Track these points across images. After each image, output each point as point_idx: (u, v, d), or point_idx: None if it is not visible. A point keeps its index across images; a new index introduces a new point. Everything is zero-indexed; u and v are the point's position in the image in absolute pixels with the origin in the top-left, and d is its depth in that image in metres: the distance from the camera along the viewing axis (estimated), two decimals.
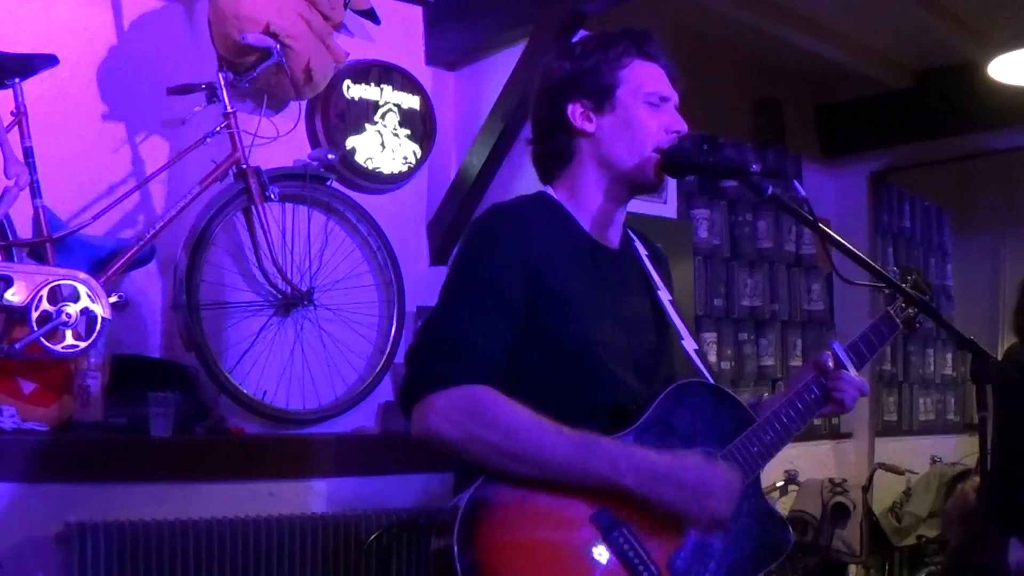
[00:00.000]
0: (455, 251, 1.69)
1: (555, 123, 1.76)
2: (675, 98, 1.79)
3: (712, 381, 1.78)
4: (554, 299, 1.63)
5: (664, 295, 1.84)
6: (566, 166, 1.77)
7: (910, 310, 1.94)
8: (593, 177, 1.75)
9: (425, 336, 1.58)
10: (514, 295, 1.59)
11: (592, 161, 1.75)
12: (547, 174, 1.81)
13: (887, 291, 1.95)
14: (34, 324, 2.52)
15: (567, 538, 1.48)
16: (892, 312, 1.94)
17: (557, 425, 1.51)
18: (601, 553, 1.49)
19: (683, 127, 1.77)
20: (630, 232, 1.88)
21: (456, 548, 1.40)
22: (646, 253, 1.87)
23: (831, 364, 1.79)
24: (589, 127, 1.74)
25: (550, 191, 1.78)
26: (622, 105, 1.73)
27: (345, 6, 3.44)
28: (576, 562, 1.47)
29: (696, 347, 1.84)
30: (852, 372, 1.80)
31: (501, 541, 1.45)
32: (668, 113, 1.75)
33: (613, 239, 1.81)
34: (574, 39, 3.39)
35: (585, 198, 1.76)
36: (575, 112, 1.74)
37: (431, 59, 3.97)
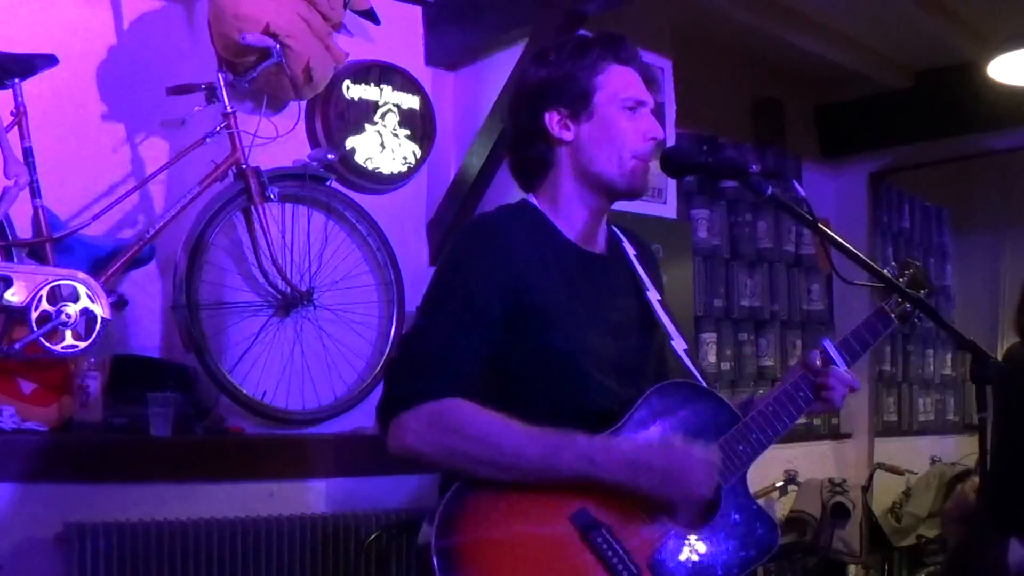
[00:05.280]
0: (439, 262, 1.71)
1: (532, 131, 1.76)
2: (651, 102, 1.78)
3: (702, 380, 1.79)
4: (536, 311, 1.64)
5: (653, 295, 1.84)
6: (546, 174, 1.77)
7: (906, 305, 1.91)
8: (573, 185, 1.76)
9: (402, 352, 1.62)
10: (491, 309, 1.61)
11: (571, 169, 1.75)
12: (527, 182, 1.81)
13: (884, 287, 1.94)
14: (34, 324, 2.52)
15: (545, 537, 1.50)
16: (887, 307, 1.91)
17: (528, 427, 1.53)
18: (579, 552, 1.50)
19: (660, 133, 1.77)
20: (617, 232, 1.88)
21: (434, 543, 1.43)
22: (635, 253, 1.87)
23: (819, 363, 1.79)
24: (567, 135, 1.74)
25: (532, 199, 1.78)
26: (599, 112, 1.73)
27: (345, 6, 3.44)
28: (553, 560, 1.49)
29: (686, 347, 1.84)
30: (842, 368, 1.79)
31: (479, 537, 1.47)
32: (645, 118, 1.75)
33: (599, 243, 1.81)
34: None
35: (567, 205, 1.76)
36: (552, 120, 1.74)
37: (431, 59, 3.97)
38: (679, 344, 1.83)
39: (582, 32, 1.77)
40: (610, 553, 1.51)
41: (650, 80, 1.79)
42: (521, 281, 1.63)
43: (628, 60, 1.76)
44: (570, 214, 1.76)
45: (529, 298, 1.63)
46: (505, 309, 1.62)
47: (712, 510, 1.67)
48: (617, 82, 1.74)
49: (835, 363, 1.80)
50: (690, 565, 1.61)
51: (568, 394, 1.65)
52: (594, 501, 1.54)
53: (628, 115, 1.73)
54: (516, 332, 1.62)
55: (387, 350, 3.57)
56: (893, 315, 1.91)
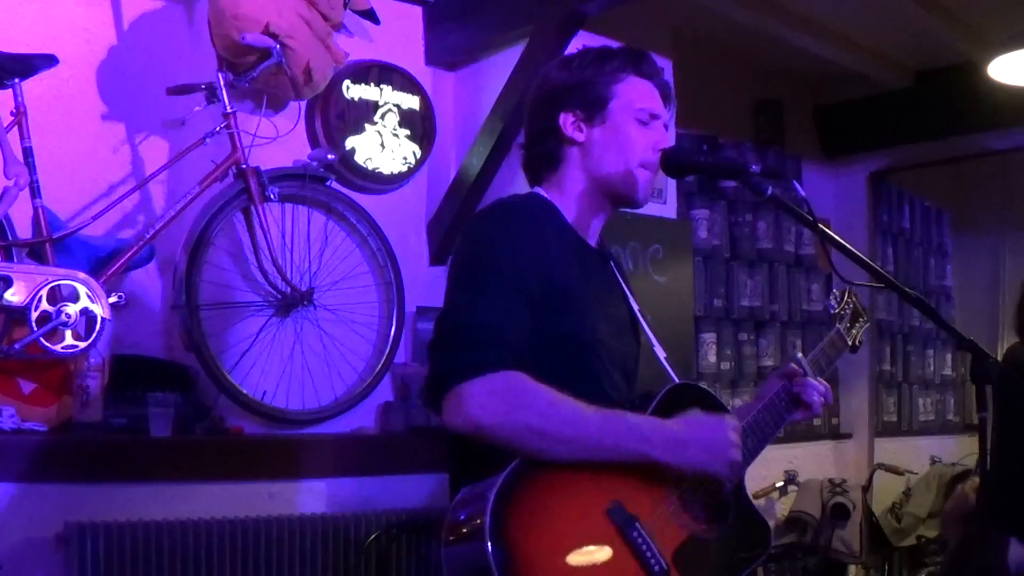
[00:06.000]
0: (465, 242, 1.71)
1: (547, 130, 1.82)
2: (665, 117, 1.84)
3: None
4: (560, 296, 1.67)
5: (633, 304, 1.90)
6: (554, 170, 1.83)
7: (854, 331, 2.09)
8: (579, 183, 1.81)
9: (451, 326, 1.59)
10: (532, 287, 1.63)
11: (579, 168, 1.81)
12: (535, 177, 1.86)
13: (833, 312, 2.08)
14: (34, 324, 2.52)
15: (588, 535, 1.52)
16: (842, 331, 2.06)
17: (586, 404, 1.56)
18: (618, 549, 1.53)
19: (668, 145, 1.82)
20: None
21: (490, 547, 1.42)
22: (612, 262, 1.93)
23: (800, 371, 1.90)
24: (579, 136, 1.80)
25: (541, 191, 1.83)
26: (613, 119, 1.79)
27: (345, 6, 3.44)
28: (597, 558, 1.51)
29: (665, 355, 1.90)
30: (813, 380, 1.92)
31: (529, 539, 1.46)
32: (656, 131, 1.81)
33: (593, 243, 1.86)
34: (572, 41, 3.42)
35: (572, 200, 1.81)
36: (567, 121, 1.80)
37: (431, 59, 3.97)
38: (660, 352, 1.90)
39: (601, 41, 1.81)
40: (644, 547, 1.54)
41: (667, 97, 1.85)
42: (549, 263, 1.66)
43: (648, 75, 1.82)
44: (575, 208, 1.81)
45: (554, 281, 1.66)
46: (539, 290, 1.64)
47: (726, 510, 1.72)
48: (634, 93, 1.79)
49: (808, 374, 1.91)
50: (706, 560, 1.66)
51: (583, 385, 1.66)
52: (625, 494, 1.57)
53: (640, 126, 1.79)
54: (540, 315, 1.64)
55: (387, 350, 3.57)
56: (847, 340, 2.08)
